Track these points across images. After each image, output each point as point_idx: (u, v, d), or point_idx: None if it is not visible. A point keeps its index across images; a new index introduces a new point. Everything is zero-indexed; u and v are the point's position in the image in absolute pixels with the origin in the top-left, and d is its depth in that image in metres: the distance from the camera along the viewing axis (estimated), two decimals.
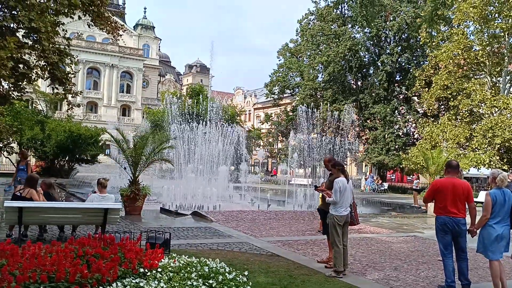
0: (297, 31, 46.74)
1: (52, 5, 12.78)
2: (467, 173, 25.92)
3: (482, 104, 26.88)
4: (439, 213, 6.35)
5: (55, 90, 14.57)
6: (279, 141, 53.65)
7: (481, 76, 29.39)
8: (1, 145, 28.59)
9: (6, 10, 12.38)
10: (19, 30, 12.63)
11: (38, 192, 8.89)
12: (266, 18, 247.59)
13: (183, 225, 11.49)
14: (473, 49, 28.50)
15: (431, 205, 17.76)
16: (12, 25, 12.52)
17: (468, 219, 6.37)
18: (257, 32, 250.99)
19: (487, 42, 27.21)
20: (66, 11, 12.79)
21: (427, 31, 29.88)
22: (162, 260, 5.34)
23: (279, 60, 49.30)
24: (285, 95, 51.55)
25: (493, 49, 27.72)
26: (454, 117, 28.74)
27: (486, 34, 27.51)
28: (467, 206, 6.36)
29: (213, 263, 5.47)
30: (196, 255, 6.47)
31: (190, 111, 47.01)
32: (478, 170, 25.92)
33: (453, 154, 24.51)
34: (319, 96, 43.85)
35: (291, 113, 47.99)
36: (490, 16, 26.99)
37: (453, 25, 29.16)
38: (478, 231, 6.29)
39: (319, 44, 42.93)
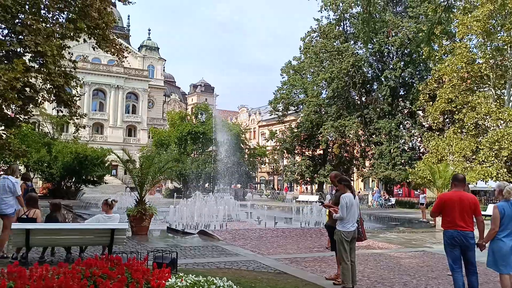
0: (300, 48, 47.11)
1: (58, 29, 13.01)
2: (474, 186, 25.72)
3: (488, 117, 26.84)
4: (446, 227, 6.29)
5: (61, 113, 14.74)
6: (284, 158, 53.58)
7: (485, 89, 29.42)
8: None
9: (13, 35, 12.61)
10: (25, 54, 12.83)
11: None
12: (268, 36, 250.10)
13: (190, 244, 11.44)
14: (477, 62, 28.60)
15: (439, 220, 17.62)
16: (18, 50, 12.74)
17: (476, 232, 6.32)
18: (259, 50, 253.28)
19: (491, 55, 27.31)
20: (71, 34, 13.02)
21: (426, 48, 30.08)
22: (169, 279, 5.31)
23: (282, 78, 49.62)
24: (289, 112, 51.72)
25: (496, 61, 27.80)
26: (459, 131, 28.68)
27: (489, 47, 27.62)
28: (474, 220, 6.31)
29: (220, 282, 5.43)
30: (204, 274, 6.43)
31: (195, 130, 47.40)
32: (485, 183, 25.75)
33: (459, 168, 24.39)
34: (323, 112, 43.99)
35: (295, 130, 48.07)
36: (493, 30, 27.14)
37: (456, 39, 29.32)
38: (487, 245, 6.23)
39: (322, 60, 43.21)
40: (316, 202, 22.27)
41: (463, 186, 6.44)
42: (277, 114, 50.40)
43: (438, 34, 28.59)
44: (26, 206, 8.97)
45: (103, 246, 8.99)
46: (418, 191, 36.77)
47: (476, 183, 25.90)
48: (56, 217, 9.18)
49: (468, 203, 6.20)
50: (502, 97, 28.72)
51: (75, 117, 14.82)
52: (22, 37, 12.03)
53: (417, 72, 39.40)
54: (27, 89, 12.90)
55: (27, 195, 9.86)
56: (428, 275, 8.50)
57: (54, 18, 13.72)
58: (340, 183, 7.40)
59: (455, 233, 6.14)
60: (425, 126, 37.60)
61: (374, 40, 39.05)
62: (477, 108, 26.76)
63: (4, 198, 9.25)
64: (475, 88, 29.49)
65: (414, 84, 38.12)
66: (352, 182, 8.20)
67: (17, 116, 13.94)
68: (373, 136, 40.61)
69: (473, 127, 27.73)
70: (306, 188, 55.26)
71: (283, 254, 10.57)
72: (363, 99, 43.71)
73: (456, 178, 6.50)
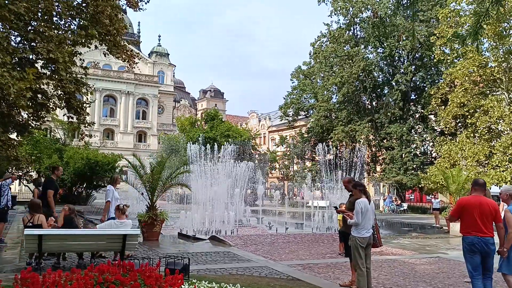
0: (310, 53, 47.00)
1: (70, 36, 13.07)
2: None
3: (501, 121, 26.48)
4: (466, 233, 6.11)
5: (70, 119, 14.82)
6: (294, 163, 53.42)
7: (498, 93, 29.05)
8: (21, 174, 29.03)
9: (25, 42, 12.68)
10: (37, 61, 12.90)
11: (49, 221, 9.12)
12: (277, 42, 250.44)
13: (201, 250, 11.37)
14: (489, 65, 28.27)
15: (453, 225, 17.35)
16: (31, 57, 12.81)
17: (496, 239, 6.14)
18: (268, 56, 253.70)
19: (503, 58, 26.99)
20: (83, 41, 13.07)
21: (438, 52, 29.83)
22: (182, 286, 5.25)
23: (292, 83, 49.54)
24: (299, 117, 51.56)
25: (509, 65, 27.45)
26: (472, 135, 28.33)
27: (502, 50, 27.31)
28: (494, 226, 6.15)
29: None
30: (216, 280, 6.36)
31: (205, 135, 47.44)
32: (499, 188, 25.38)
33: (473, 172, 24.06)
34: (334, 117, 43.76)
35: (306, 135, 47.88)
36: (504, 33, 26.83)
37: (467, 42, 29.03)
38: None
39: (333, 65, 43.03)
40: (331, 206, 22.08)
41: (484, 191, 6.26)
42: (287, 119, 50.30)
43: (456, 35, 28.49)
44: (30, 212, 8.99)
45: (114, 251, 8.96)
46: (431, 196, 36.43)
47: (490, 188, 25.55)
48: (74, 220, 9.26)
49: (488, 208, 6.02)
50: None
51: (83, 125, 14.85)
52: (35, 44, 12.09)
53: (428, 76, 39.07)
54: (39, 95, 12.97)
55: (30, 201, 9.97)
56: (444, 282, 8.34)
57: (66, 25, 13.78)
58: (355, 188, 7.27)
59: (475, 239, 5.97)
60: (437, 130, 37.20)
61: (385, 44, 38.84)
62: (490, 112, 26.42)
63: None
64: (487, 91, 29.12)
65: (426, 88, 37.80)
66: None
67: (29, 122, 14.03)
68: (384, 140, 40.28)
69: (486, 131, 27.36)
70: (323, 192, 55.04)
71: (295, 260, 10.45)
72: (374, 103, 43.41)
73: (476, 182, 6.33)
